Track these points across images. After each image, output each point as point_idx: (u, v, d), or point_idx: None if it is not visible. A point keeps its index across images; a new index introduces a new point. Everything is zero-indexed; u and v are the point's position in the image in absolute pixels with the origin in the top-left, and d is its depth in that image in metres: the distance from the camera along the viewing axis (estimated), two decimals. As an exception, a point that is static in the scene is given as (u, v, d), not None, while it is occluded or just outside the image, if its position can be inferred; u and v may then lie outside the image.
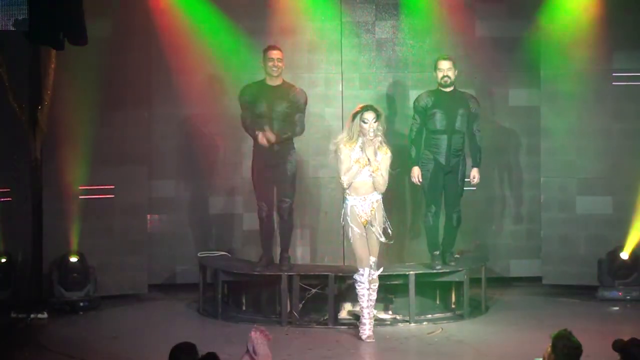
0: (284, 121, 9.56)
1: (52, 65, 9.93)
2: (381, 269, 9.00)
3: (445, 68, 9.73)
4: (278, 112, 9.54)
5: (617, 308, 10.27)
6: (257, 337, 5.28)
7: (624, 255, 10.51)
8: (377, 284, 8.96)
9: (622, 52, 10.70)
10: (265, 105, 9.53)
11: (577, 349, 5.22)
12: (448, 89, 9.81)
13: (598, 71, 10.76)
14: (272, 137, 9.46)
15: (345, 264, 10.70)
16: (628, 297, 10.38)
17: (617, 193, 10.72)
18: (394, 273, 9.69)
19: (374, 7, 11.17)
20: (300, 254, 11.08)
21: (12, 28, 7.27)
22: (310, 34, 11.12)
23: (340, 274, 9.67)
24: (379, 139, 8.78)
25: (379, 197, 8.90)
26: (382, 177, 8.79)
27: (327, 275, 9.61)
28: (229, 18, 10.93)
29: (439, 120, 9.71)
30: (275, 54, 9.61)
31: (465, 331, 9.27)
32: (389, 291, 9.74)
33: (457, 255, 10.17)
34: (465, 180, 9.93)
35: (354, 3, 11.16)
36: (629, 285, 10.45)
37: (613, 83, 10.75)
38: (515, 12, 11.08)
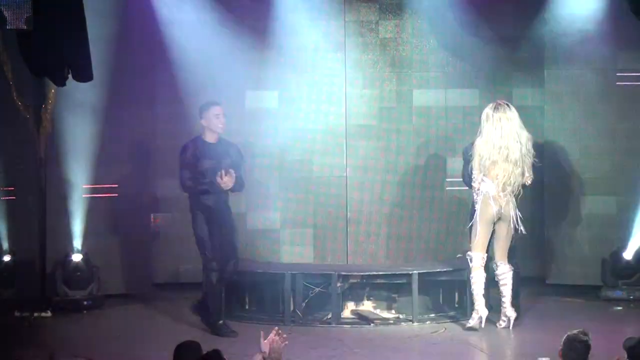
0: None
1: (57, 64, 9.95)
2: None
3: None
4: (223, 168, 8.95)
5: (620, 308, 10.27)
6: (274, 339, 5.30)
7: (628, 255, 10.50)
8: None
9: (626, 52, 10.69)
10: (209, 162, 9.02)
11: (585, 346, 5.28)
12: None
13: (602, 71, 10.75)
14: (231, 180, 8.94)
15: (349, 263, 10.71)
16: (631, 297, 10.38)
17: (621, 193, 10.72)
18: (398, 272, 9.71)
19: (378, 6, 11.16)
20: (304, 252, 11.08)
21: (23, 26, 7.26)
22: (314, 33, 11.11)
23: (344, 273, 9.67)
24: None
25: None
26: None
27: (331, 274, 9.62)
28: (232, 17, 10.93)
29: None
30: (220, 109, 9.12)
31: (468, 331, 9.26)
32: (392, 290, 9.75)
33: (459, 255, 10.15)
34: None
35: (358, 2, 11.14)
36: (632, 285, 10.44)
37: (617, 83, 10.75)
38: (519, 12, 11.06)
